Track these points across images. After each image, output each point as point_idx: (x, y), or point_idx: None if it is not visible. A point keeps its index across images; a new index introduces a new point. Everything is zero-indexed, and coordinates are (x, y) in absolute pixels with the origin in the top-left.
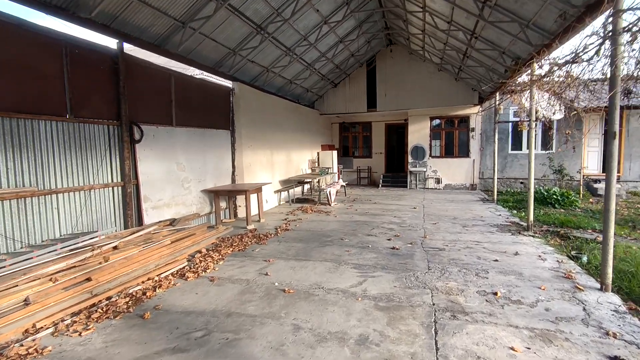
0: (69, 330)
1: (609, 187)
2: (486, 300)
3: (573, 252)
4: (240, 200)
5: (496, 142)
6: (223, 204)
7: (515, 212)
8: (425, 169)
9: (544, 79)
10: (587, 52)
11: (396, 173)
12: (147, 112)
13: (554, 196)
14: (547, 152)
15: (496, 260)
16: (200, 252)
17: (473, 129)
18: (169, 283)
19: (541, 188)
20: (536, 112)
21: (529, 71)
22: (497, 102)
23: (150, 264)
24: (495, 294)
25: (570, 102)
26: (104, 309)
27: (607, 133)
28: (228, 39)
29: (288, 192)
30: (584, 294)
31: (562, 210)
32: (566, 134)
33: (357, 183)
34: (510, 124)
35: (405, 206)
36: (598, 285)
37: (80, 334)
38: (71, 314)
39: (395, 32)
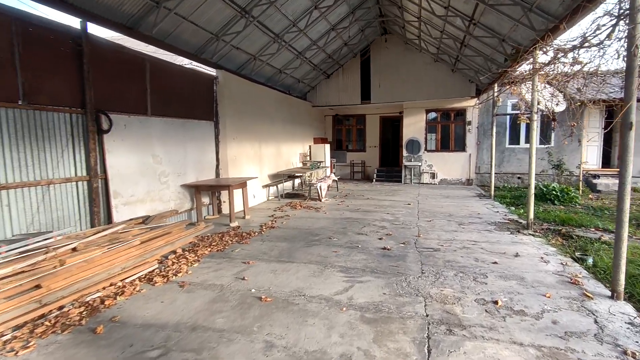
0: (5, 347)
1: (624, 184)
2: (486, 311)
3: (577, 254)
4: (224, 195)
5: (494, 135)
6: (206, 200)
7: (513, 208)
8: (420, 164)
9: (548, 67)
10: (597, 35)
11: (391, 167)
12: (117, 100)
13: (554, 192)
14: (546, 146)
15: (495, 263)
16: (175, 252)
17: (470, 123)
18: (134, 289)
19: (540, 184)
20: (537, 104)
21: (531, 59)
22: (496, 94)
23: (115, 267)
24: (496, 302)
25: (578, 91)
26: (52, 322)
27: (606, 126)
28: (209, 23)
29: (277, 186)
30: (593, 303)
31: (562, 207)
32: (571, 126)
33: (351, 177)
34: (508, 116)
35: (399, 202)
36: (608, 293)
37: (16, 353)
38: (13, 328)
39: (390, 20)
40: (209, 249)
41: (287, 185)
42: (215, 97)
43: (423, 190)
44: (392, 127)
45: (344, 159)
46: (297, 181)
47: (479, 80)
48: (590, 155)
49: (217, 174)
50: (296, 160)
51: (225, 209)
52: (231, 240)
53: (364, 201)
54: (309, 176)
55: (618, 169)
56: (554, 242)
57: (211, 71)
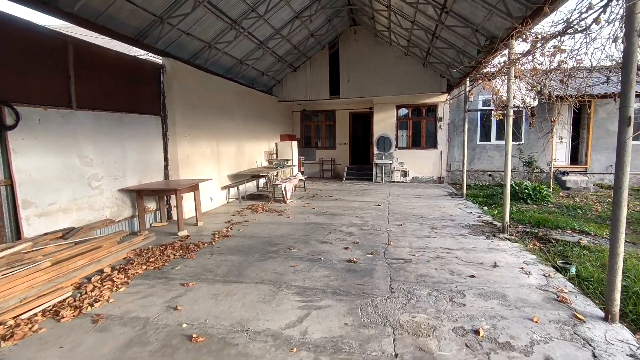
0: None
1: (620, 189)
2: (466, 345)
3: (559, 262)
4: (175, 199)
5: (466, 132)
6: (151, 205)
7: (486, 208)
8: (391, 161)
9: (525, 58)
10: (585, 19)
11: (361, 165)
12: (28, 89)
13: (526, 191)
14: (518, 143)
15: (473, 277)
16: (102, 272)
17: (441, 119)
18: (30, 328)
19: (512, 182)
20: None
21: (506, 51)
22: (468, 89)
23: (10, 298)
24: (477, 332)
25: (561, 82)
26: None
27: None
28: (150, 3)
29: (238, 188)
30: (587, 328)
31: (535, 206)
32: (552, 122)
33: (320, 176)
34: (479, 113)
35: (369, 203)
36: (601, 313)
37: None
38: None
39: (359, 9)
40: (145, 267)
41: (251, 185)
42: (163, 88)
43: (394, 190)
44: (362, 123)
45: (313, 156)
46: (263, 181)
47: (451, 75)
48: (559, 152)
49: (166, 176)
50: (261, 159)
51: (176, 215)
52: (174, 254)
53: (332, 203)
54: (275, 175)
55: (586, 166)
56: (531, 247)
57: (157, 59)
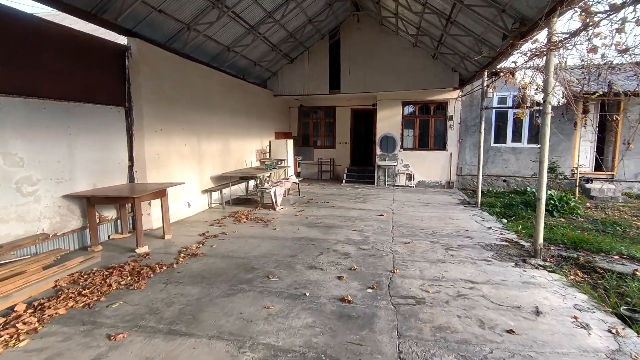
0: None
1: None
2: None
3: (623, 308)
4: (142, 207)
5: (482, 132)
6: (110, 214)
7: (506, 222)
8: (395, 163)
9: (573, 39)
10: None
11: (363, 167)
12: None
13: (551, 201)
14: (538, 146)
15: (512, 332)
16: (13, 311)
17: (451, 118)
18: None
19: (532, 189)
20: (534, 95)
21: (540, 36)
22: (486, 83)
23: None
24: None
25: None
26: None
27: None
28: None
29: (221, 192)
30: None
31: (563, 219)
32: (583, 119)
33: (318, 177)
34: (494, 111)
35: (371, 212)
36: None
37: None
38: None
39: None
40: (73, 303)
41: (240, 188)
42: (128, 75)
43: (399, 195)
44: (365, 121)
45: (311, 156)
46: (253, 183)
47: (465, 68)
48: (582, 156)
49: (132, 178)
50: (252, 159)
51: (143, 224)
52: (119, 283)
53: (328, 211)
54: (267, 177)
55: (612, 173)
56: (573, 278)
57: (121, 39)
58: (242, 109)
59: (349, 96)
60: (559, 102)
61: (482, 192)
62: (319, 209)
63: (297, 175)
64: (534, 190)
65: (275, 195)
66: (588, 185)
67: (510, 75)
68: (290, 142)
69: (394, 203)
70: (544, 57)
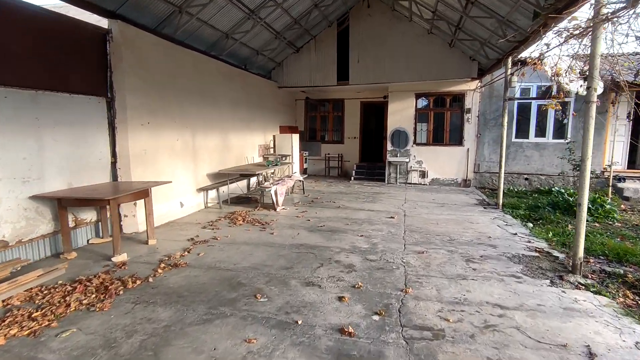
0: None
1: None
2: None
3: None
4: (127, 208)
5: (505, 125)
6: (89, 216)
7: (532, 226)
8: (407, 160)
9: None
10: None
11: (373, 163)
12: None
13: None
14: (567, 141)
15: None
16: None
17: (469, 110)
18: None
19: (559, 189)
20: (568, 83)
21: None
22: (511, 71)
23: None
24: None
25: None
26: None
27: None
28: None
29: (217, 190)
30: None
31: (597, 224)
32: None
33: (326, 174)
34: (515, 103)
35: (380, 214)
36: None
37: None
38: None
39: None
40: (17, 330)
41: (240, 186)
42: (109, 61)
43: (411, 194)
44: (375, 115)
45: (318, 151)
46: (255, 180)
47: (485, 56)
48: (614, 153)
49: (115, 176)
50: (254, 155)
51: (129, 226)
52: (80, 302)
53: (333, 212)
54: (270, 174)
55: None
56: (622, 299)
57: (103, 23)
58: (243, 101)
59: (359, 88)
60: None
61: (502, 191)
62: (323, 209)
63: (304, 171)
64: (561, 190)
65: (276, 194)
66: (621, 185)
67: (539, 62)
68: (296, 136)
69: (406, 203)
70: (584, 38)
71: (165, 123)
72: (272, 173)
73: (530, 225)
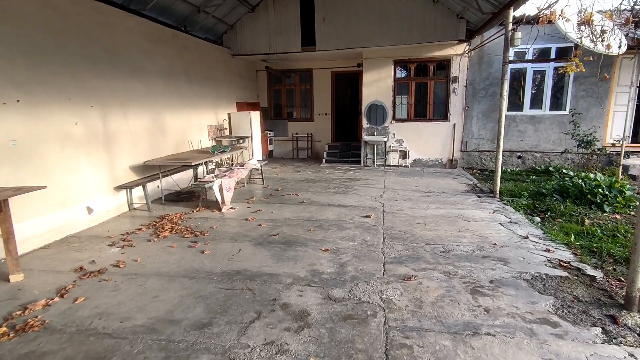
0: None
1: None
2: None
3: None
4: None
5: (506, 94)
6: None
7: (539, 221)
8: (386, 139)
9: None
10: None
11: (347, 143)
12: None
13: (599, 189)
14: (572, 113)
15: None
16: None
17: (455, 79)
18: None
19: (565, 170)
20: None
21: None
22: (512, 26)
23: None
24: None
25: None
26: None
27: None
28: None
29: (144, 187)
30: None
31: (618, 216)
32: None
33: (294, 156)
34: (509, 69)
35: (353, 211)
36: None
37: None
38: None
39: None
40: None
41: (186, 177)
42: None
43: (391, 180)
44: (351, 86)
45: (285, 131)
46: (204, 170)
47: (478, 8)
48: (616, 124)
49: None
50: (204, 138)
51: None
52: None
53: (295, 210)
54: (228, 160)
55: None
56: None
57: None
58: (182, 72)
59: (328, 55)
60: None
61: (489, 172)
62: (282, 207)
63: (269, 155)
64: (567, 171)
65: (221, 190)
66: (626, 162)
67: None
68: (256, 114)
69: (385, 193)
70: None
71: (52, 102)
72: (228, 159)
73: (538, 220)
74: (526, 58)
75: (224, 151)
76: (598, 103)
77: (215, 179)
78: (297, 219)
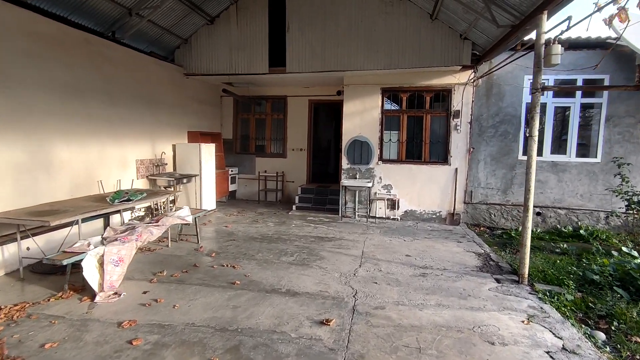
0: None
1: None
2: None
3: None
4: None
5: (536, 133)
6: None
7: (606, 343)
8: (370, 184)
9: None
10: None
11: (326, 185)
12: None
13: None
14: (614, 161)
15: None
16: None
17: (457, 114)
18: None
19: (590, 228)
20: None
21: None
22: (548, 30)
23: None
24: None
25: None
26: None
27: None
28: None
29: (1, 249)
30: None
31: None
32: None
33: (260, 199)
34: (524, 105)
35: (307, 303)
36: None
37: None
38: None
39: None
40: None
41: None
42: None
43: (373, 242)
44: (335, 119)
45: (252, 168)
46: (132, 215)
47: (492, 20)
48: None
49: None
50: (131, 176)
51: None
52: None
53: (215, 300)
54: (171, 204)
55: None
56: None
57: None
58: (100, 89)
59: (303, 78)
60: None
61: (502, 233)
62: (199, 292)
63: (231, 195)
64: (626, 248)
65: (101, 266)
66: None
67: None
68: (209, 147)
69: (363, 266)
70: None
71: None
72: (172, 202)
73: (602, 337)
74: (547, 85)
75: (129, 200)
76: (636, 148)
77: (91, 247)
78: (205, 328)
